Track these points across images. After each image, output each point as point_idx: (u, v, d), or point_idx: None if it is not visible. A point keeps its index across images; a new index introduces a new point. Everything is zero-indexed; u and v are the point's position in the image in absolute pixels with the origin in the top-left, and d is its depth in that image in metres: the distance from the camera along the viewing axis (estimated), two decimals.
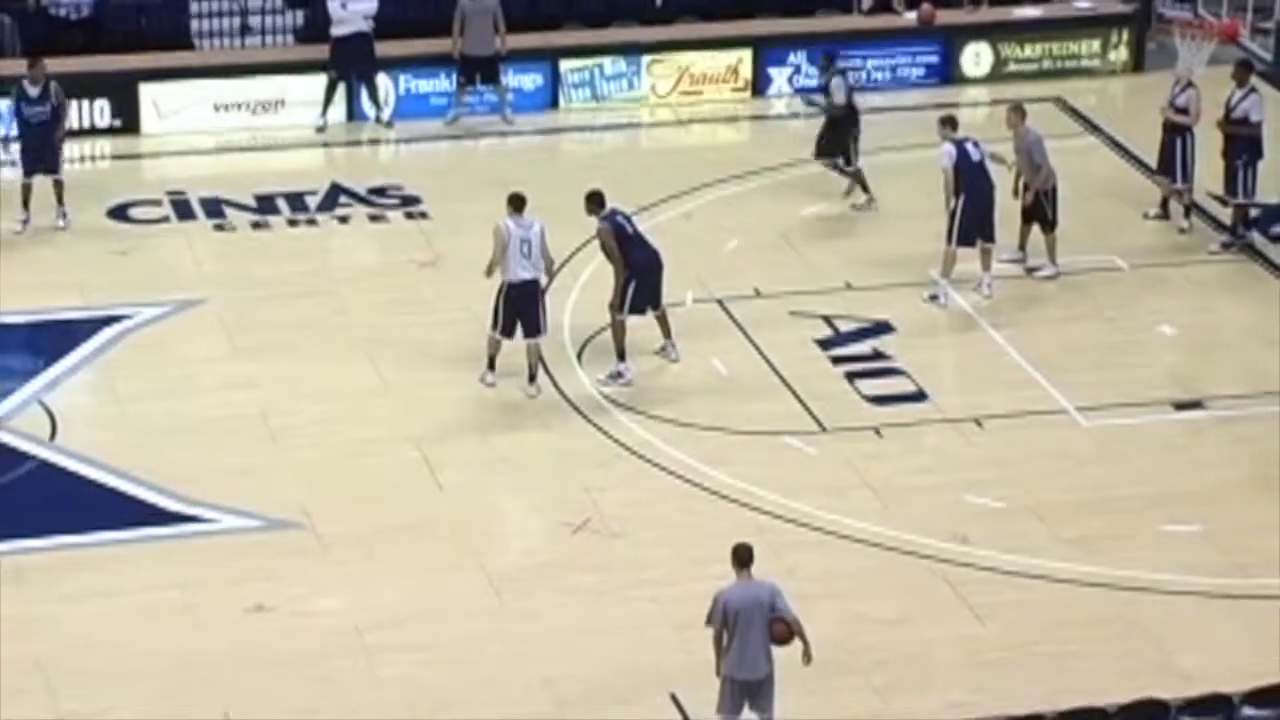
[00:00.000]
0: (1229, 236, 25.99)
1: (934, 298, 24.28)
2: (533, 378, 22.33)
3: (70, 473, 20.98)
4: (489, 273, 22.25)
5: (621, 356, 22.53)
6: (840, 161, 26.40)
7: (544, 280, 22.40)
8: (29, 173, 25.56)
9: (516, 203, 22.35)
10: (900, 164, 27.33)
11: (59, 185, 25.64)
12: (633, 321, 22.68)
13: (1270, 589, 19.33)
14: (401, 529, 20.09)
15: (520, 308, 22.22)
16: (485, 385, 22.32)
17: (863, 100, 26.75)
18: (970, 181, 24.14)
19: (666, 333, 23.02)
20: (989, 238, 24.31)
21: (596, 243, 22.92)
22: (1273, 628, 18.82)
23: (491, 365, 22.32)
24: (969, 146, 24.33)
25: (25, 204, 25.44)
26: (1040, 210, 24.91)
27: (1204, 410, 22.46)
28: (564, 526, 20.12)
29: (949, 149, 24.26)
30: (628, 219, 22.90)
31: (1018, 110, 24.96)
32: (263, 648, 18.34)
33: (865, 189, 26.38)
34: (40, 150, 25.52)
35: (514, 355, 22.33)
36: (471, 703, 17.62)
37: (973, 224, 24.13)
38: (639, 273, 22.63)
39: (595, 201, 22.74)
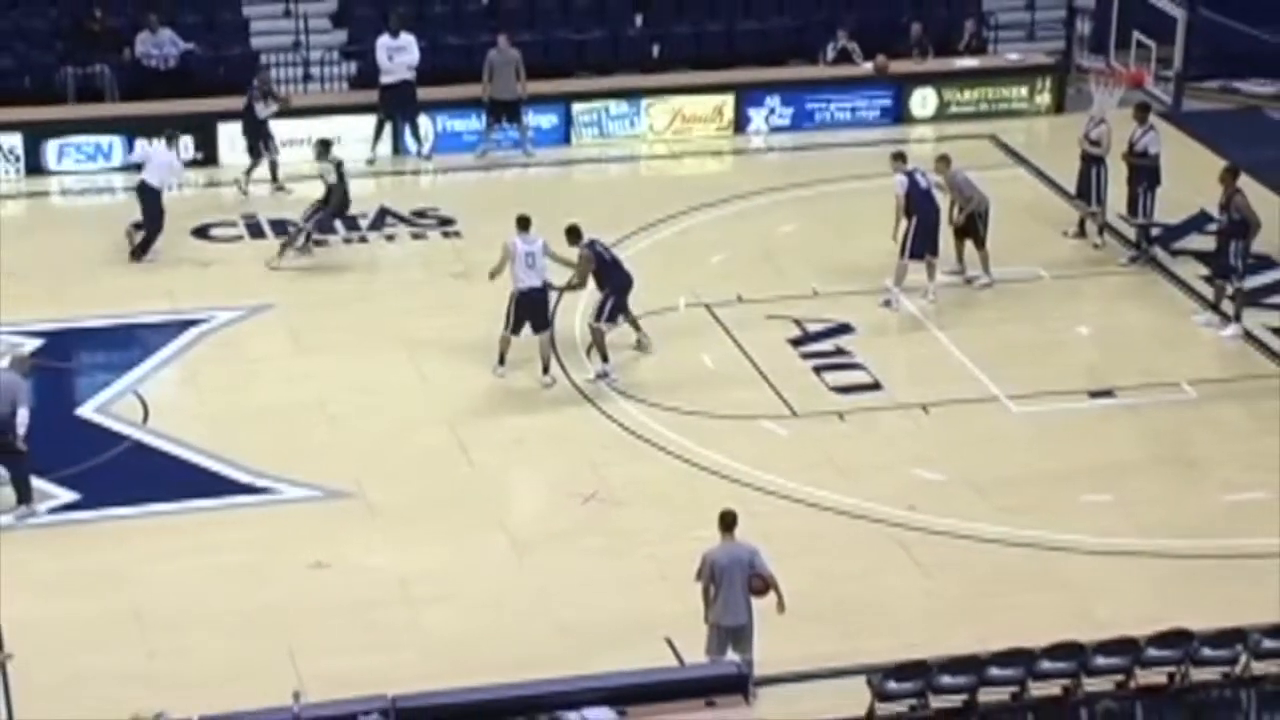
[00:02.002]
0: (1135, 251, 25.93)
1: (887, 303, 24.20)
2: (546, 369, 22.27)
3: (160, 451, 20.95)
4: (492, 277, 22.30)
5: (605, 358, 22.40)
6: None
7: (550, 282, 22.36)
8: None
9: (523, 223, 22.32)
10: (859, 190, 27.26)
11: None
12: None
13: (1170, 549, 19.28)
14: (438, 499, 20.04)
15: (529, 312, 22.17)
16: (497, 376, 22.26)
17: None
18: (919, 206, 24.10)
19: (636, 327, 22.91)
20: (934, 253, 24.27)
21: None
22: (1171, 581, 18.78)
23: (502, 360, 22.26)
24: (918, 176, 24.30)
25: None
26: (974, 229, 24.87)
27: (1114, 398, 22.40)
28: (575, 497, 20.08)
29: (901, 179, 24.18)
30: (605, 248, 22.73)
31: (943, 159, 24.89)
32: (321, 598, 18.32)
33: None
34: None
35: (527, 350, 22.26)
36: (497, 643, 17.57)
37: (921, 241, 24.09)
38: (616, 290, 22.54)
39: (574, 233, 22.60)
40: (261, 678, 16.68)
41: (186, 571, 18.71)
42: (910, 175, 24.23)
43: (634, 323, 22.87)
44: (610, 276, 22.57)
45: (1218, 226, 24.28)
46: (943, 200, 24.48)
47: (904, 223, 24.07)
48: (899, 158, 24.62)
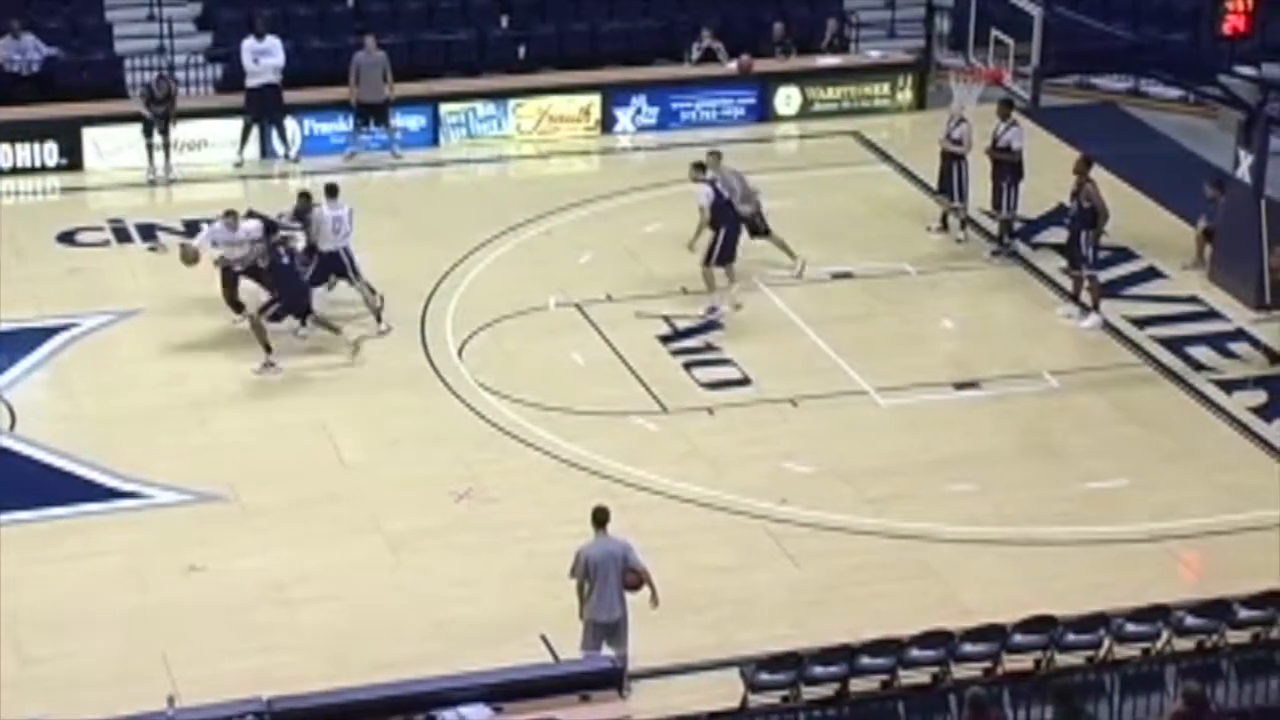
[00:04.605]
0: (997, 245, 26.23)
1: (712, 309, 23.81)
2: (378, 318, 23.12)
3: (27, 457, 20.72)
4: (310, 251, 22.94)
5: (268, 350, 22.27)
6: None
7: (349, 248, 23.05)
8: None
9: (331, 191, 23.18)
10: None
11: None
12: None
13: (1034, 536, 19.53)
14: (312, 499, 19.95)
15: (333, 269, 23.01)
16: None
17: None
18: (725, 215, 23.75)
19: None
20: (734, 259, 23.98)
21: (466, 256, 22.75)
22: (1036, 568, 19.02)
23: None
24: (719, 186, 23.93)
25: None
26: (757, 228, 24.81)
27: (978, 390, 22.65)
28: (449, 495, 20.07)
29: (706, 189, 23.76)
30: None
31: (714, 154, 24.50)
32: (196, 601, 18.20)
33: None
34: None
35: (405, 353, 22.17)
36: (375, 643, 17.53)
37: (727, 249, 23.79)
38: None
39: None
40: (137, 682, 16.56)
41: (59, 577, 18.53)
42: (713, 184, 23.86)
43: (325, 323, 22.80)
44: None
45: (1069, 216, 24.61)
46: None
47: (708, 233, 23.62)
48: (700, 167, 24.11)
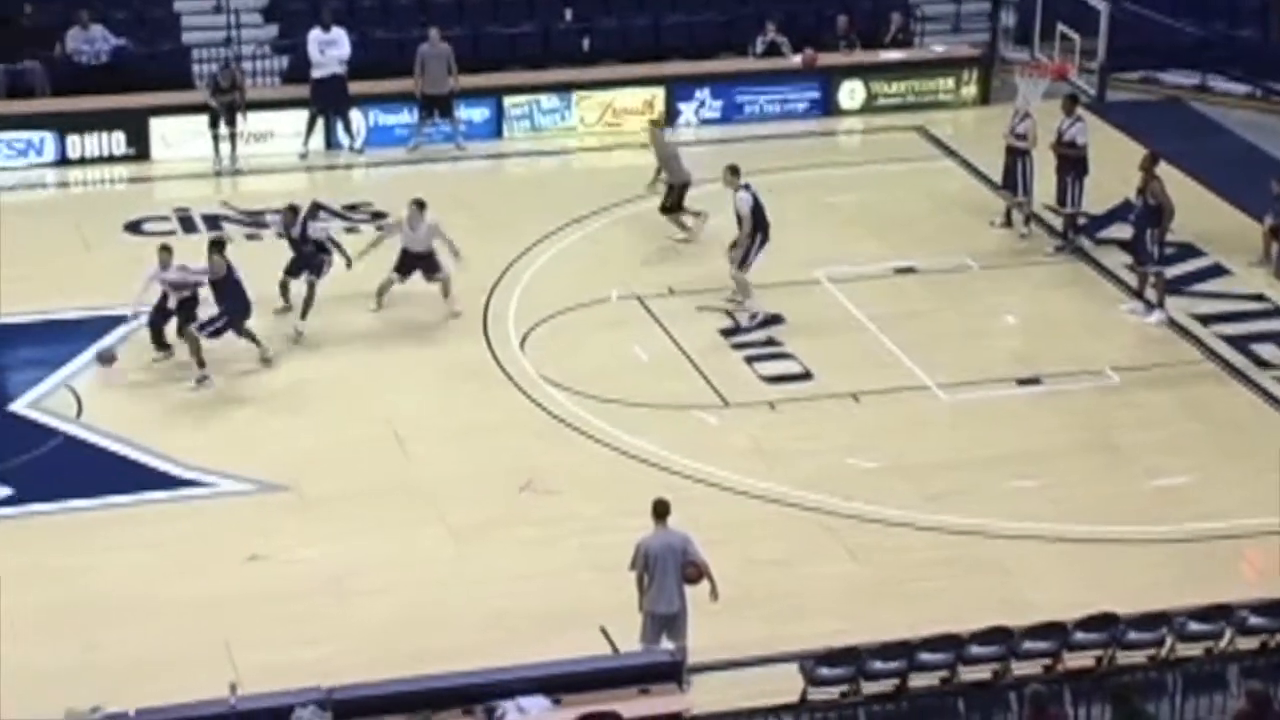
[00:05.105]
0: (1061, 241, 26.10)
1: (754, 316, 23.55)
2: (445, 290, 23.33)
3: (93, 445, 20.85)
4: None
5: (201, 365, 21.78)
6: None
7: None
8: None
9: (420, 204, 23.13)
10: (788, 182, 27.34)
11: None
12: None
13: (1095, 533, 19.43)
14: (374, 491, 20.00)
15: (419, 267, 23.36)
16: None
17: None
18: (762, 221, 23.46)
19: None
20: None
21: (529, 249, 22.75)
22: (1097, 565, 18.93)
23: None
24: (755, 191, 23.63)
25: None
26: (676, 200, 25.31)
27: (1040, 385, 22.54)
28: (510, 487, 20.09)
29: (746, 196, 23.41)
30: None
31: (655, 123, 25.82)
32: (257, 591, 18.27)
33: None
34: None
35: (462, 349, 22.17)
36: (435, 633, 17.56)
37: (758, 254, 23.56)
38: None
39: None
40: (198, 670, 16.59)
41: (121, 565, 18.63)
42: (749, 189, 23.52)
43: (250, 336, 22.37)
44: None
45: (1134, 213, 24.46)
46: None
47: (752, 237, 23.30)
48: (734, 171, 23.74)
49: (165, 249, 22.30)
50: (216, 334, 21.96)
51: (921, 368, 22.65)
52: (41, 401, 21.61)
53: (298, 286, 23.12)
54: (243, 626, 17.61)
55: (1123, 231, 25.48)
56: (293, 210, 23.42)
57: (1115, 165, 26.65)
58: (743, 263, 23.59)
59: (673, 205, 25.56)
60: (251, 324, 22.32)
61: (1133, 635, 16.81)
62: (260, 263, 23.40)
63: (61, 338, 23.04)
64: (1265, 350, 23.25)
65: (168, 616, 17.78)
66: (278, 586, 18.31)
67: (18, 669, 16.82)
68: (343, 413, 21.50)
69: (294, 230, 23.07)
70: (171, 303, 22.11)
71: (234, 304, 22.02)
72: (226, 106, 27.85)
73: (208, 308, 22.06)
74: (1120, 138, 28.68)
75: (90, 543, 19.00)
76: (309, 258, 23.05)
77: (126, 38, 29.58)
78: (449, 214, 23.88)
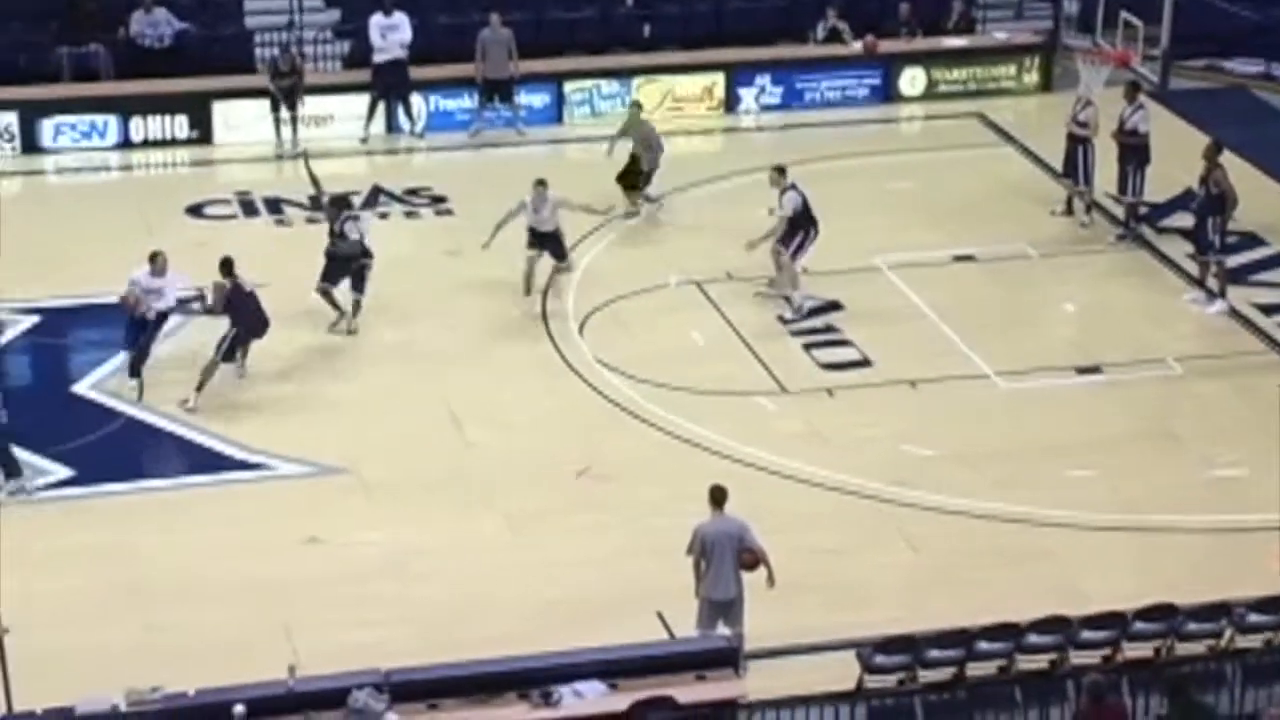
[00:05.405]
0: (1122, 229, 25.95)
1: (798, 309, 23.43)
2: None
3: (155, 428, 20.97)
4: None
5: (199, 390, 21.26)
6: None
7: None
8: None
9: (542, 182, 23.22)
10: (849, 169, 27.29)
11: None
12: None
13: (1154, 523, 19.34)
14: (432, 475, 20.06)
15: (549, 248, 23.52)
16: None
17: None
18: (809, 217, 23.38)
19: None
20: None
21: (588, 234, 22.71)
22: (1156, 555, 18.84)
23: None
24: (801, 189, 23.52)
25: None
26: (638, 176, 25.68)
27: (1100, 374, 22.44)
28: (568, 473, 20.11)
29: (794, 196, 23.28)
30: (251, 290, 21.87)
31: (635, 105, 26.35)
32: (316, 573, 18.35)
33: None
34: None
35: (524, 325, 22.19)
36: (492, 618, 17.61)
37: (811, 246, 23.53)
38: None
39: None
40: (257, 652, 16.70)
41: (182, 547, 18.74)
42: (796, 188, 23.37)
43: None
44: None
45: (1196, 201, 24.31)
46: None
47: (797, 235, 23.26)
48: (781, 171, 23.51)
49: (157, 254, 21.63)
50: (228, 357, 21.53)
51: (980, 356, 22.57)
52: (105, 383, 21.74)
53: (339, 294, 22.83)
54: (301, 609, 17.70)
55: (1185, 220, 25.32)
56: (342, 202, 23.17)
57: (1178, 153, 26.47)
58: (795, 254, 23.51)
59: (635, 184, 25.57)
60: (305, 339, 22.28)
61: (1192, 626, 16.75)
62: (323, 245, 23.43)
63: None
64: None
65: (227, 598, 17.87)
66: (336, 569, 18.39)
67: (79, 649, 16.96)
68: (403, 397, 21.55)
69: (336, 225, 22.82)
70: (151, 313, 21.41)
71: (244, 321, 21.56)
72: (285, 91, 27.95)
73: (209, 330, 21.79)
74: (1183, 125, 28.50)
75: (150, 525, 19.11)
76: (345, 263, 22.66)
77: (189, 21, 29.69)
78: (508, 199, 23.88)
